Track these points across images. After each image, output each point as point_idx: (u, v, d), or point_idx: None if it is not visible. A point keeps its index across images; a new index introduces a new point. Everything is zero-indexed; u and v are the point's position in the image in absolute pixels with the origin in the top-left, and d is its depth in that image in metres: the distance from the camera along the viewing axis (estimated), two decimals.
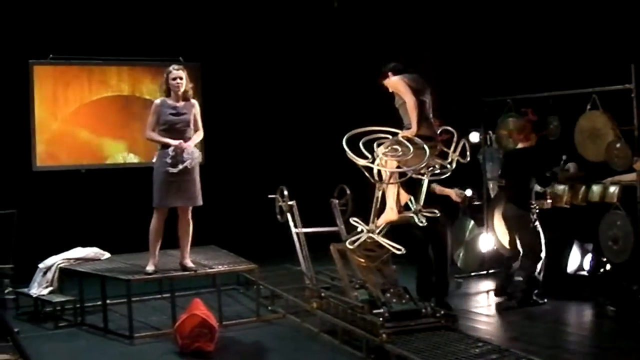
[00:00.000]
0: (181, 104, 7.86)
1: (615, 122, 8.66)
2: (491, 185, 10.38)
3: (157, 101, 7.92)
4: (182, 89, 7.83)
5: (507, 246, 9.19)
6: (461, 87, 10.55)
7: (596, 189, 8.86)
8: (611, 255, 8.71)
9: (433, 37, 11.51)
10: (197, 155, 7.83)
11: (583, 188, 8.97)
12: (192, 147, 7.78)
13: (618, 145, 8.59)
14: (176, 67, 7.90)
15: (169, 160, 7.65)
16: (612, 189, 8.73)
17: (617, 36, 9.25)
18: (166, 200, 7.78)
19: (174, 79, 7.79)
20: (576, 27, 9.83)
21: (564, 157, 9.12)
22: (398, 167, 7.05)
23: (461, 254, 10.34)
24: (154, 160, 7.91)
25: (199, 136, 7.98)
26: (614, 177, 8.73)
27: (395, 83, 7.23)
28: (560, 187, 9.11)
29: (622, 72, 8.40)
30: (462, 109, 9.93)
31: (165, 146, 7.73)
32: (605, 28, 9.44)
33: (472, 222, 10.23)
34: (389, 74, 7.33)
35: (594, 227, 8.77)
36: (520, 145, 8.84)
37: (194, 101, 7.99)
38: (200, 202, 7.94)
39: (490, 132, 10.25)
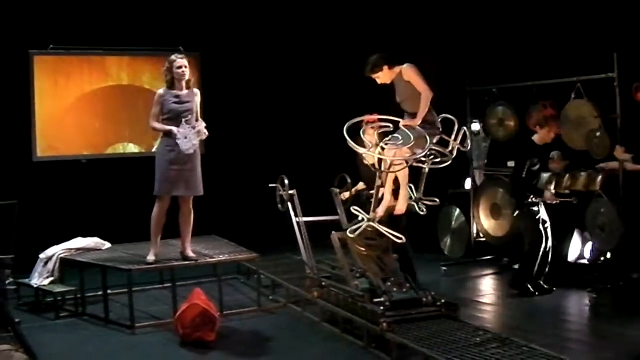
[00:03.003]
0: (184, 92, 7.84)
1: (599, 110, 8.68)
2: (477, 174, 10.51)
3: (160, 91, 7.88)
4: (186, 78, 7.81)
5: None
6: (446, 77, 10.51)
7: (580, 177, 8.89)
8: (600, 243, 8.78)
9: (419, 28, 11.48)
10: (195, 134, 7.72)
11: (567, 176, 9.00)
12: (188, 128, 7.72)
13: (598, 134, 8.63)
14: (179, 56, 7.88)
15: (176, 148, 7.63)
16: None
17: (600, 25, 9.25)
18: (168, 188, 7.77)
19: (179, 67, 7.76)
20: (560, 17, 9.83)
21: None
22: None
23: (447, 242, 10.46)
24: (155, 149, 7.90)
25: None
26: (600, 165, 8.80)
27: (411, 73, 7.16)
28: (545, 176, 9.14)
29: (605, 61, 8.42)
30: (448, 99, 9.97)
31: (168, 134, 7.72)
32: (589, 17, 9.43)
33: (458, 210, 10.31)
34: (386, 67, 7.27)
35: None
36: (536, 139, 8.63)
37: (196, 90, 7.98)
38: (201, 192, 7.93)
39: (477, 121, 10.30)
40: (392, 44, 7.42)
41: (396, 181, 7.41)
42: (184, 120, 7.69)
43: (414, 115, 7.12)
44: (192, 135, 7.67)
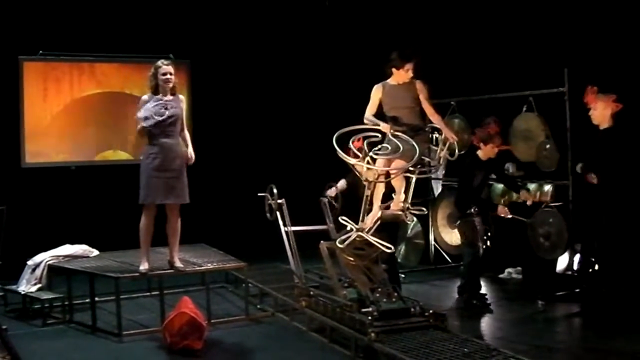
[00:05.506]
0: (169, 98, 7.78)
1: (547, 124, 9.04)
2: (435, 185, 10.76)
3: (145, 97, 7.81)
4: (171, 85, 7.77)
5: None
6: None
7: (532, 187, 9.09)
8: (542, 251, 9.06)
9: (380, 40, 11.53)
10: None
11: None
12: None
13: (547, 146, 8.95)
14: (165, 62, 7.81)
15: (160, 156, 7.64)
16: (547, 187, 9.09)
17: (552, 42, 9.55)
18: (153, 197, 7.71)
19: (164, 74, 7.70)
20: (514, 33, 10.10)
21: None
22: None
23: (402, 250, 10.58)
24: (141, 156, 7.88)
25: (187, 137, 7.98)
26: None
27: (425, 91, 7.34)
28: (499, 187, 9.53)
29: (556, 76, 8.73)
30: None
31: (152, 142, 7.69)
32: (542, 34, 9.75)
33: (415, 218, 10.38)
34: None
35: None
36: (480, 154, 8.72)
37: (181, 96, 7.94)
38: (187, 200, 7.87)
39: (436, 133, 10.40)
40: (358, 56, 7.47)
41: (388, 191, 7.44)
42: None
43: (410, 127, 7.15)
44: None
